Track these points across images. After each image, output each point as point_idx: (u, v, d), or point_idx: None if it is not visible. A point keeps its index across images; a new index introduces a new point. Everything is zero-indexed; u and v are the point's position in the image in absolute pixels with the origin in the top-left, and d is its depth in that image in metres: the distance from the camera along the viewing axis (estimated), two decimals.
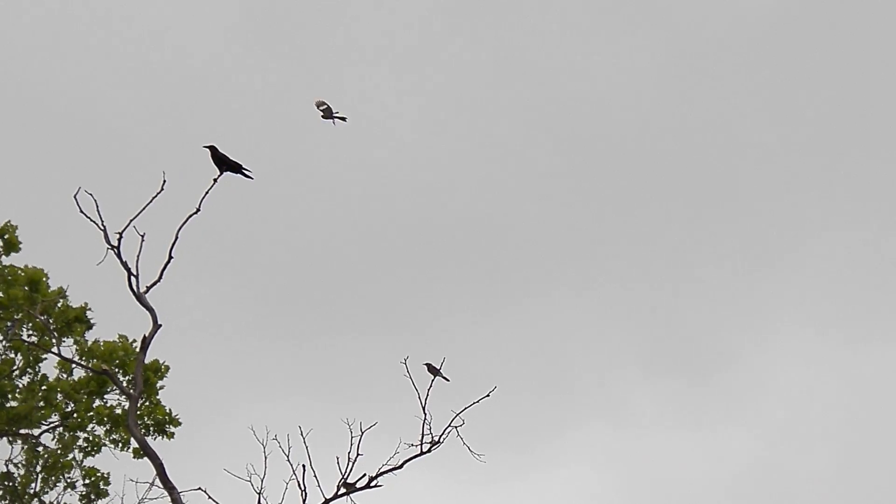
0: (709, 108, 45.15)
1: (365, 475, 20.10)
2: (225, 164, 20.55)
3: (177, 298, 21.63)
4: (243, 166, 20.67)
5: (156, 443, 24.42)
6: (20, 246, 25.09)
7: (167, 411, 25.10)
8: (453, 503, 37.32)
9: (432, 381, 20.45)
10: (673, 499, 39.89)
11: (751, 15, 45.41)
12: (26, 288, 24.39)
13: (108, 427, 24.82)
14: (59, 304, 24.53)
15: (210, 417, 28.20)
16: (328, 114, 20.79)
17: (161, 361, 25.14)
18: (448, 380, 20.80)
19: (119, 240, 20.02)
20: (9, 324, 24.36)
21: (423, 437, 20.28)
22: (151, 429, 24.93)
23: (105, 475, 24.62)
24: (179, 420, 25.14)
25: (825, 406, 41.70)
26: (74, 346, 24.76)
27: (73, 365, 24.41)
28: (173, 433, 25.09)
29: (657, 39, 45.40)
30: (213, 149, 20.58)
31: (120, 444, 24.85)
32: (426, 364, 20.65)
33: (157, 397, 25.19)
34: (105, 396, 24.95)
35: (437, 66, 44.12)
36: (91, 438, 24.70)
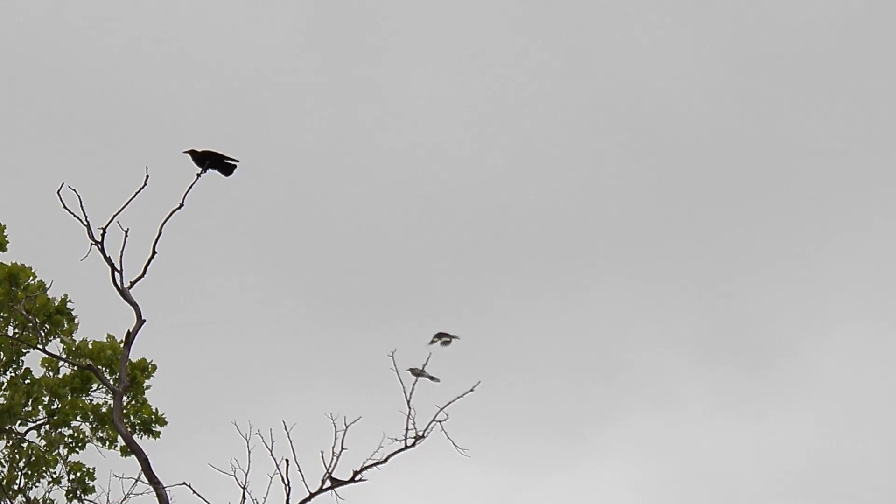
0: (770, 99, 45.43)
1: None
2: (207, 159, 20.59)
3: (160, 294, 21.64)
4: (224, 155, 20.69)
5: (142, 441, 24.43)
6: (7, 244, 25.09)
7: (153, 410, 25.10)
8: (504, 492, 37.66)
9: (415, 381, 20.47)
10: (724, 489, 39.92)
11: (823, 12, 45.67)
12: (7, 284, 24.38)
13: (93, 424, 24.82)
14: (42, 300, 24.50)
15: (194, 413, 28.20)
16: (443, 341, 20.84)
17: (148, 360, 25.14)
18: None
19: (103, 235, 20.06)
20: None
21: (406, 431, 20.36)
22: (137, 427, 24.93)
23: (90, 471, 24.63)
24: (165, 419, 25.15)
25: (883, 398, 41.66)
26: (61, 345, 24.75)
27: (59, 361, 24.41)
28: (159, 432, 25.10)
29: (720, 35, 45.70)
30: (192, 152, 20.61)
31: (106, 442, 24.86)
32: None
33: (144, 396, 25.19)
34: (91, 393, 24.95)
35: (503, 63, 44.74)
36: (76, 434, 24.71)
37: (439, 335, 20.71)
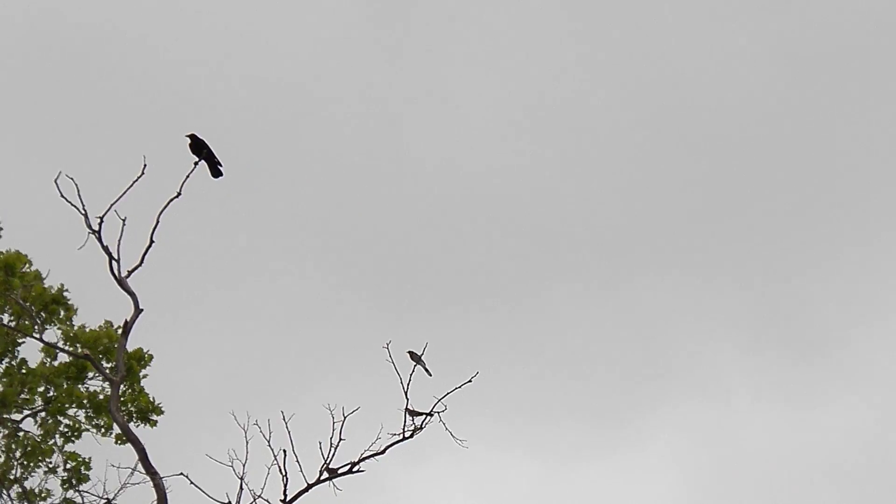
0: (821, 93, 45.71)
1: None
2: (204, 149, 20.55)
3: (158, 283, 21.61)
4: (218, 160, 20.70)
5: (138, 430, 24.36)
6: (1, 232, 25.01)
7: (150, 399, 25.03)
8: (550, 477, 37.92)
9: (413, 367, 20.45)
10: (771, 478, 39.95)
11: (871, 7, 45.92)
12: (3, 273, 24.30)
13: (89, 412, 24.76)
14: (38, 289, 24.42)
15: (192, 403, 28.16)
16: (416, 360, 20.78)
17: (145, 350, 25.08)
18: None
19: (100, 224, 20.01)
20: None
21: (405, 422, 20.34)
22: (134, 416, 24.87)
23: (87, 460, 24.56)
24: (162, 409, 25.08)
25: None
26: (59, 332, 24.68)
27: (56, 350, 24.34)
28: (156, 421, 25.03)
29: (768, 30, 45.98)
30: (192, 136, 20.58)
31: (102, 430, 24.79)
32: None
33: (141, 385, 25.13)
34: (87, 382, 24.89)
35: (549, 62, 45.10)
36: (72, 423, 24.63)
37: (412, 354, 20.72)
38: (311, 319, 39.28)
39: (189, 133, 20.53)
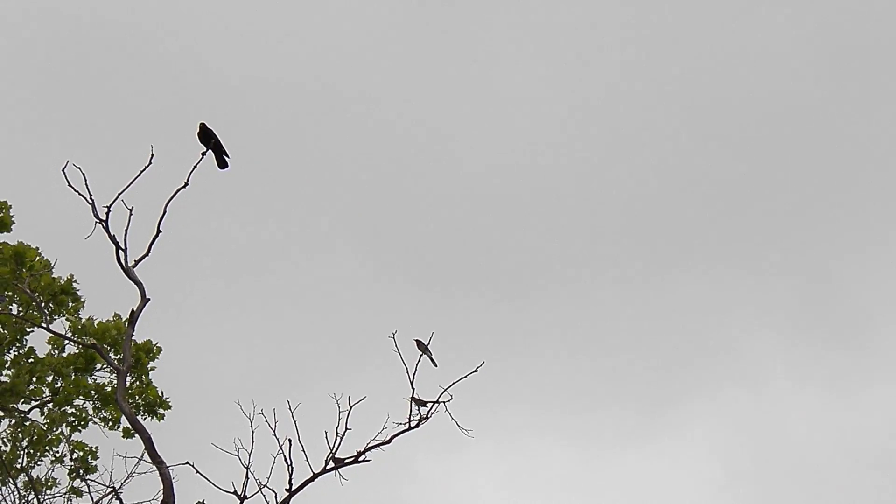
0: (862, 84, 45.98)
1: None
2: (212, 139, 20.58)
3: (165, 273, 21.67)
4: (225, 151, 20.72)
5: (145, 423, 24.38)
6: (13, 225, 25.04)
7: (158, 393, 25.06)
8: (590, 465, 38.14)
9: (420, 357, 20.46)
10: (811, 464, 40.01)
11: None
12: (10, 264, 24.34)
13: (96, 404, 24.79)
14: (47, 279, 24.46)
15: (198, 392, 28.22)
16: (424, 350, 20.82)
17: (154, 342, 25.11)
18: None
19: (107, 214, 20.04)
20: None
21: (410, 412, 20.34)
22: (142, 409, 24.90)
23: (93, 450, 24.59)
24: (170, 403, 25.11)
25: None
26: (67, 324, 24.72)
27: (64, 340, 24.39)
28: (163, 415, 25.07)
29: (807, 24, 46.21)
30: (202, 126, 20.60)
31: (109, 423, 24.82)
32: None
33: (149, 378, 25.16)
34: (95, 373, 24.93)
35: (593, 56, 45.49)
36: (79, 413, 24.68)
37: (419, 343, 20.75)
38: (319, 310, 39.40)
39: (200, 122, 20.55)
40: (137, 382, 24.91)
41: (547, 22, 45.68)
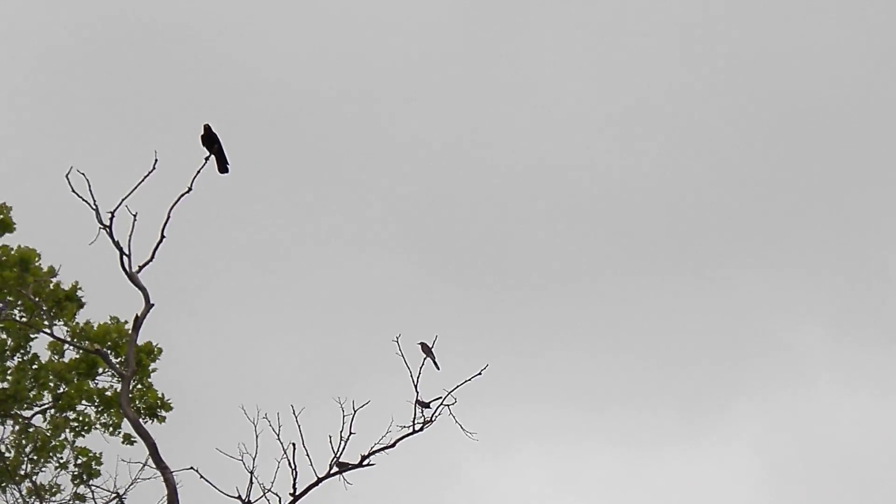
0: None
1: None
2: (216, 143, 20.59)
3: (167, 277, 21.70)
4: (226, 157, 20.74)
5: (147, 426, 24.36)
6: (14, 227, 25.02)
7: (159, 395, 25.04)
8: (634, 464, 38.27)
9: (424, 360, 20.47)
10: (859, 466, 39.98)
11: None
12: (15, 269, 24.32)
13: (99, 409, 24.76)
14: (51, 285, 24.45)
15: (202, 397, 28.22)
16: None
17: (154, 344, 25.10)
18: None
19: (111, 219, 20.07)
20: (0, 304, 24.33)
21: (415, 416, 20.36)
22: (143, 412, 24.88)
23: (97, 455, 24.57)
24: (171, 405, 25.09)
25: None
26: (66, 328, 24.69)
27: (66, 346, 24.37)
28: (164, 417, 25.04)
29: (872, 19, 46.29)
30: (207, 127, 20.61)
31: (111, 428, 24.79)
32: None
33: (150, 380, 25.13)
34: (97, 378, 24.90)
35: (648, 55, 45.85)
36: (82, 418, 24.65)
37: (423, 346, 20.76)
38: (330, 312, 39.47)
39: (205, 123, 20.57)
40: (140, 385, 24.88)
41: (589, 21, 45.93)
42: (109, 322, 24.76)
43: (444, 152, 44.27)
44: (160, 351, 25.09)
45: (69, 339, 24.17)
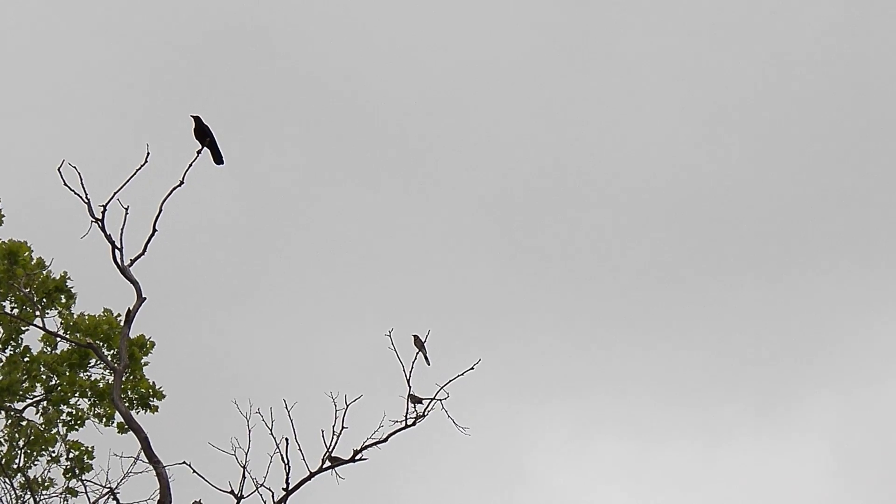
0: None
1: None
2: (207, 136, 20.52)
3: (159, 271, 21.62)
4: (219, 149, 20.67)
5: (139, 417, 24.33)
6: (3, 219, 24.96)
7: (151, 384, 24.99)
8: (704, 459, 38.45)
9: (417, 354, 20.44)
10: None
11: None
12: (4, 262, 24.26)
13: (91, 401, 24.72)
14: (41, 277, 24.39)
15: (194, 391, 28.17)
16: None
17: (147, 337, 25.05)
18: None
19: (103, 213, 20.00)
20: None
21: (407, 410, 20.34)
22: (135, 402, 24.83)
23: (89, 449, 24.53)
24: (163, 393, 25.05)
25: None
26: (59, 320, 24.64)
27: (58, 338, 24.31)
28: (157, 407, 24.99)
29: None
30: (197, 119, 20.53)
31: (104, 419, 24.75)
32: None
33: (142, 372, 25.09)
34: (89, 370, 24.86)
35: (735, 58, 46.36)
36: (75, 412, 24.61)
37: (416, 339, 20.72)
38: (319, 306, 39.43)
39: (195, 115, 20.50)
40: (131, 377, 24.83)
41: (678, 21, 46.25)
42: (101, 315, 24.72)
43: (528, 148, 44.67)
44: (153, 344, 25.06)
45: (60, 333, 24.10)
